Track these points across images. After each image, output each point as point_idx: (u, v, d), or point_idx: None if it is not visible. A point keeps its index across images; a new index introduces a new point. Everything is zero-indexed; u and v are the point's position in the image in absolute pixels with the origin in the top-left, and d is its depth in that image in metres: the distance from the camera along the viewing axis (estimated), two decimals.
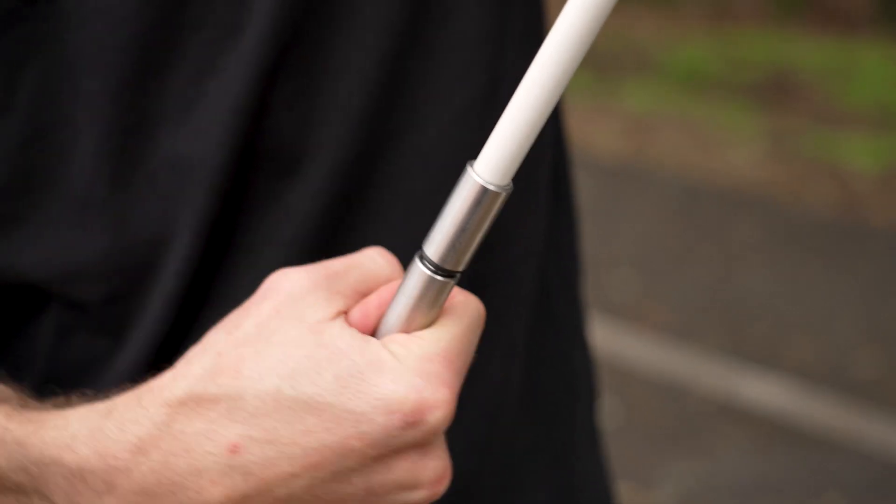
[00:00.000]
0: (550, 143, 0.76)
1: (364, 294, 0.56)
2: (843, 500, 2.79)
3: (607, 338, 3.39)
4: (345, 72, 0.65)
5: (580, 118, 5.33)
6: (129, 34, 0.61)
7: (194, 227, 0.63)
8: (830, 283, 3.91)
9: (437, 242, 0.52)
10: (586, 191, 4.17)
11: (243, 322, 0.53)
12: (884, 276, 4.00)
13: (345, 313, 0.54)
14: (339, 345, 0.51)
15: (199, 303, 0.64)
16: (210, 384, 0.51)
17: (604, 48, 6.05)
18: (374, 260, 0.57)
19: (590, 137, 5.31)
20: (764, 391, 3.23)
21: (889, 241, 4.31)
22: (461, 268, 0.52)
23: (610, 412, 3.04)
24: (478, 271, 0.64)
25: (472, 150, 0.68)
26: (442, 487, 0.52)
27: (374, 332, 0.55)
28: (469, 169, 0.51)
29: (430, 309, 0.53)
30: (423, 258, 0.52)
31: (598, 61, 5.93)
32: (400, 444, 0.50)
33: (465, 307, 0.55)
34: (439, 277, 0.52)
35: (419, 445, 0.51)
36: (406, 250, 0.67)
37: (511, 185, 0.51)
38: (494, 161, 0.50)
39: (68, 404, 0.56)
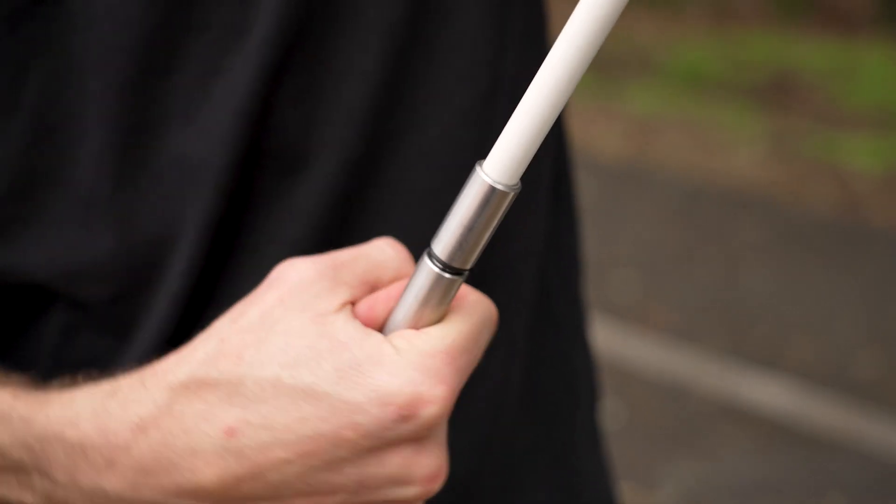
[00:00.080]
0: (552, 143, 0.77)
1: (372, 284, 0.56)
2: (844, 500, 2.79)
3: (609, 338, 3.39)
4: (348, 72, 0.65)
5: (582, 119, 5.33)
6: (135, 35, 0.62)
7: (200, 226, 0.63)
8: (832, 283, 3.91)
9: (445, 240, 0.52)
10: (588, 191, 4.17)
11: (248, 310, 0.54)
12: (885, 277, 4.00)
13: (352, 304, 0.55)
14: (341, 337, 0.52)
15: (204, 302, 0.65)
16: (212, 369, 0.52)
17: (606, 49, 6.04)
18: (382, 250, 0.57)
19: (592, 138, 5.31)
20: (765, 392, 3.23)
21: (891, 242, 4.31)
22: (469, 266, 0.53)
23: (611, 412, 3.04)
24: (477, 269, 0.64)
25: (474, 149, 0.68)
26: (435, 486, 0.52)
27: (381, 328, 0.55)
28: (478, 168, 0.51)
29: (438, 306, 0.54)
30: (431, 256, 0.53)
31: (599, 62, 5.93)
32: (393, 437, 0.51)
33: (475, 306, 0.55)
34: (447, 275, 0.53)
35: (413, 440, 0.51)
36: (409, 248, 0.67)
37: (519, 184, 0.52)
38: (503, 161, 0.51)
39: (75, 385, 0.57)
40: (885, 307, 3.76)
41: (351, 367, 0.51)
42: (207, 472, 0.51)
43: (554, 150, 0.78)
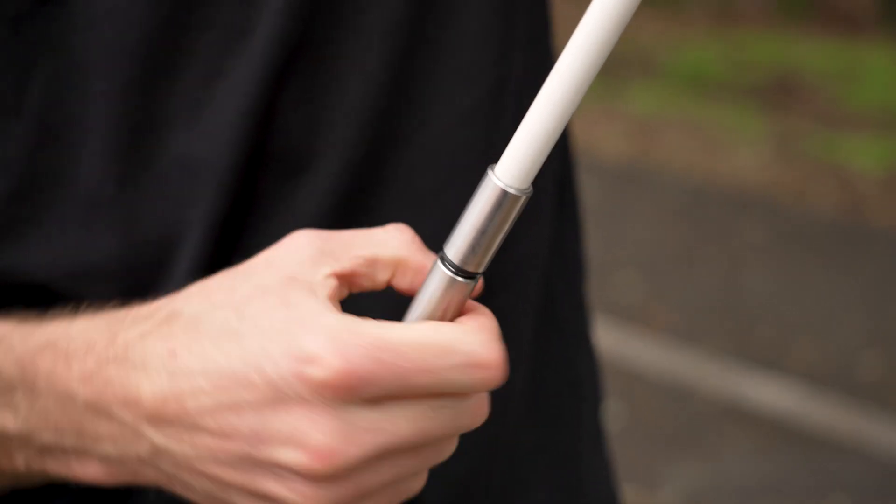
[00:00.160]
0: (557, 148, 0.77)
1: (368, 259, 0.57)
2: (847, 501, 2.79)
3: (612, 340, 3.40)
4: (351, 72, 0.65)
5: (585, 120, 5.34)
6: (137, 36, 0.62)
7: (204, 227, 0.64)
8: (834, 284, 3.91)
9: (458, 244, 0.53)
10: (591, 193, 4.18)
11: (245, 264, 0.57)
12: (888, 278, 4.00)
13: (344, 276, 0.56)
14: (292, 299, 0.54)
15: None
16: (186, 304, 0.56)
17: None
18: (386, 230, 0.58)
19: (595, 140, 5.31)
20: (767, 392, 3.23)
21: (893, 243, 4.31)
22: (482, 269, 0.54)
23: (614, 414, 3.04)
24: (484, 273, 0.65)
25: (479, 149, 0.69)
26: (321, 465, 0.51)
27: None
28: (490, 173, 0.52)
29: (449, 309, 0.54)
30: (444, 260, 0.53)
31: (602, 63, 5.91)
32: (291, 393, 0.52)
33: (468, 335, 0.53)
34: (460, 279, 0.53)
35: (308, 404, 0.52)
36: None
37: (531, 188, 0.52)
38: (515, 165, 0.51)
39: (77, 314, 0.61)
40: (888, 308, 3.76)
41: (285, 323, 0.52)
42: (146, 385, 0.55)
43: (559, 154, 0.78)
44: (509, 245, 0.69)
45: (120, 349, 0.56)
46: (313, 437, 0.51)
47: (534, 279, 0.75)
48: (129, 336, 0.56)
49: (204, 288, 0.57)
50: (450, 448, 0.56)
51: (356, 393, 0.51)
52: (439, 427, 0.53)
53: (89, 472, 0.58)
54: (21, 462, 0.61)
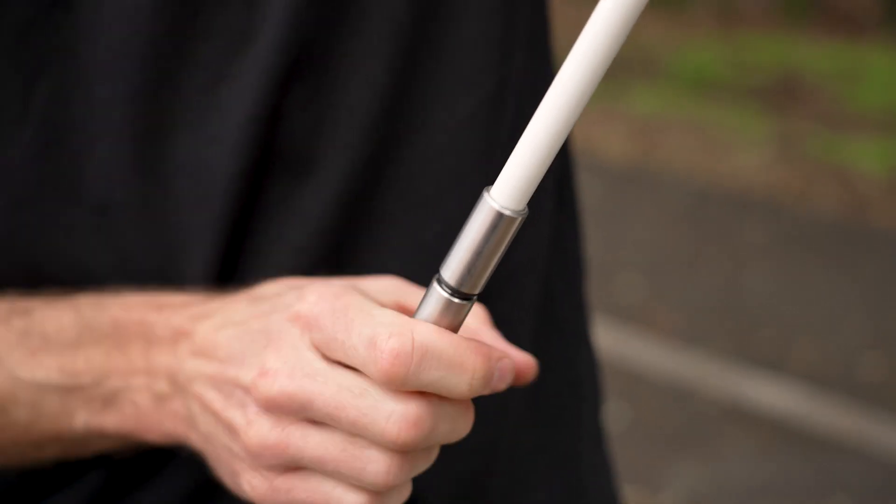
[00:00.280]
0: None
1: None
2: (848, 501, 2.79)
3: (614, 341, 3.40)
4: (354, 76, 0.65)
5: (588, 122, 5.33)
6: (142, 43, 0.62)
7: (213, 231, 0.64)
8: (837, 285, 3.91)
9: (454, 266, 0.53)
10: (594, 194, 4.18)
11: (263, 295, 0.60)
12: (890, 279, 3.99)
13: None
14: (280, 329, 0.57)
15: None
16: (196, 323, 0.61)
17: None
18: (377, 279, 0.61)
19: (597, 141, 5.31)
20: (769, 393, 3.23)
21: (895, 244, 4.30)
22: (478, 290, 0.53)
23: (616, 415, 3.04)
24: None
25: (480, 152, 0.69)
26: (257, 456, 0.55)
27: None
28: (486, 195, 0.52)
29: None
30: (440, 281, 0.53)
31: None
32: (246, 397, 0.56)
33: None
34: (456, 300, 0.53)
35: (254, 406, 0.56)
36: (413, 251, 0.68)
37: (526, 210, 0.52)
38: (511, 187, 0.51)
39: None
40: (890, 309, 3.76)
41: (267, 338, 0.57)
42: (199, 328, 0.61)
43: (558, 153, 0.78)
44: (510, 248, 0.69)
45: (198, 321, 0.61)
46: (251, 431, 0.55)
47: (533, 280, 0.75)
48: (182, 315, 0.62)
49: (217, 304, 0.62)
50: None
51: (271, 391, 0.56)
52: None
53: (142, 423, 0.62)
54: (80, 421, 0.62)
